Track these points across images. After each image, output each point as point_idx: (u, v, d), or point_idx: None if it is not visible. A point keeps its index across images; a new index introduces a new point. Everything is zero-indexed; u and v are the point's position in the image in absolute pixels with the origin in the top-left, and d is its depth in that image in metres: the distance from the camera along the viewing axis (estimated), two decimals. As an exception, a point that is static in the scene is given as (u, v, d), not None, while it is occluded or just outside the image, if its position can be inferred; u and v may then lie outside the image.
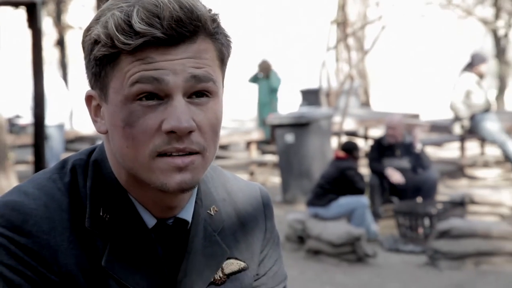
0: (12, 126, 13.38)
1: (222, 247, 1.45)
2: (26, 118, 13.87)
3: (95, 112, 1.36)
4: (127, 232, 1.35)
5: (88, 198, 1.35)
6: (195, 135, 1.28)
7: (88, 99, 1.37)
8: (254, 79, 14.83)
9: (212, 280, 1.43)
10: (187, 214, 1.40)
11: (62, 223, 1.31)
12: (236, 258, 1.47)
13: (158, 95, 1.27)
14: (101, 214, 1.35)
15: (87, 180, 1.37)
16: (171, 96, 1.27)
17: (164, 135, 1.26)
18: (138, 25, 1.24)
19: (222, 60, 1.34)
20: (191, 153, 1.28)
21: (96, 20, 1.30)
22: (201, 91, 1.29)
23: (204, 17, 1.28)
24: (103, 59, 1.29)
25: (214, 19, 1.31)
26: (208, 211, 1.45)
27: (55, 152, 11.51)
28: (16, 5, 8.43)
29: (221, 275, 1.44)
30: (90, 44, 1.30)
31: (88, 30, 1.31)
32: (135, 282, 1.35)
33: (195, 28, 1.27)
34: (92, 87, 1.35)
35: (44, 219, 1.30)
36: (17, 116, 14.97)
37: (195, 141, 1.28)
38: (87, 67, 1.33)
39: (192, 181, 1.30)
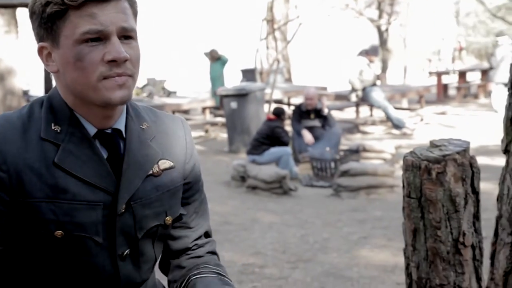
0: (29, 97, 13.06)
1: (155, 149, 1.46)
2: (37, 90, 13.51)
3: (46, 58, 1.37)
4: (74, 139, 1.36)
5: (42, 117, 1.36)
6: (128, 63, 1.33)
7: (40, 49, 1.37)
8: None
9: (151, 172, 1.44)
10: (120, 125, 1.42)
11: (13, 136, 1.32)
12: (167, 159, 1.48)
13: (99, 38, 1.31)
14: (52, 127, 1.35)
15: (42, 108, 1.38)
16: (109, 38, 1.31)
17: (106, 64, 1.31)
18: None
19: (135, 15, 1.39)
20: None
21: None
22: (128, 36, 1.35)
23: None
24: (54, 15, 1.31)
25: None
26: (141, 126, 1.46)
27: None
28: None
29: (157, 169, 1.45)
30: (41, 6, 1.32)
31: None
32: (83, 172, 1.35)
33: None
34: (43, 40, 1.36)
35: None
36: (28, 90, 14.57)
37: (128, 67, 1.33)
38: (38, 25, 1.34)
39: (128, 95, 1.34)
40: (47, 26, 1.33)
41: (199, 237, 1.59)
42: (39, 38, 1.37)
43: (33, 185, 1.31)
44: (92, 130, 1.38)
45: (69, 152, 1.34)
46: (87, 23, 1.29)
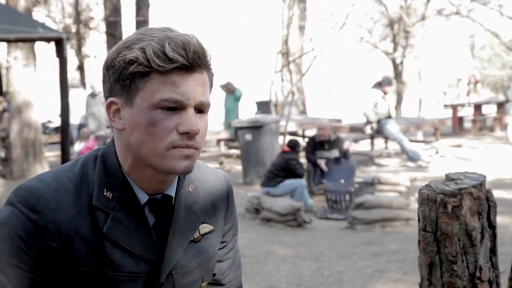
0: (46, 129, 13.21)
1: (198, 215, 1.44)
2: (55, 122, 13.65)
3: (113, 114, 1.34)
4: (124, 207, 1.33)
5: (95, 182, 1.33)
6: (197, 137, 1.31)
7: (109, 104, 1.34)
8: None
9: (192, 239, 1.43)
10: (171, 191, 1.39)
11: (66, 204, 1.29)
12: (207, 223, 1.47)
13: (176, 108, 1.28)
14: (105, 194, 1.32)
15: (95, 169, 1.35)
16: (185, 109, 1.28)
17: (178, 135, 1.28)
18: (170, 54, 1.25)
19: (212, 87, 1.37)
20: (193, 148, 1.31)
21: (127, 47, 1.29)
22: (201, 110, 1.32)
23: (209, 55, 1.32)
24: (136, 74, 1.27)
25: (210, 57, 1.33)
26: (188, 189, 1.44)
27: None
28: (48, 40, 8.34)
29: (198, 235, 1.44)
30: (123, 63, 1.28)
31: (118, 53, 1.30)
32: (130, 243, 1.32)
33: (207, 62, 1.30)
34: (115, 95, 1.32)
35: (52, 200, 1.28)
36: (49, 121, 14.77)
37: (197, 141, 1.31)
38: (115, 80, 1.31)
39: (192, 166, 1.32)
40: (125, 84, 1.29)
41: None
42: (111, 93, 1.33)
43: (81, 254, 1.29)
44: (143, 198, 1.36)
45: (118, 221, 1.32)
46: (169, 91, 1.27)
